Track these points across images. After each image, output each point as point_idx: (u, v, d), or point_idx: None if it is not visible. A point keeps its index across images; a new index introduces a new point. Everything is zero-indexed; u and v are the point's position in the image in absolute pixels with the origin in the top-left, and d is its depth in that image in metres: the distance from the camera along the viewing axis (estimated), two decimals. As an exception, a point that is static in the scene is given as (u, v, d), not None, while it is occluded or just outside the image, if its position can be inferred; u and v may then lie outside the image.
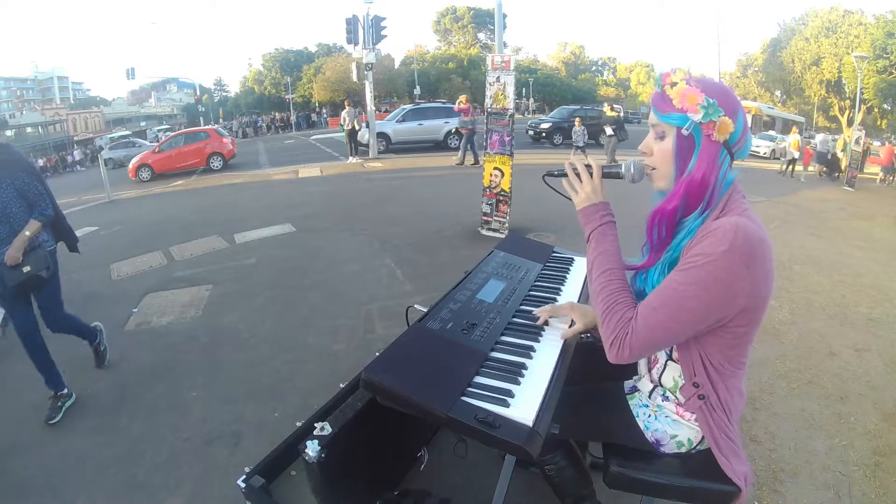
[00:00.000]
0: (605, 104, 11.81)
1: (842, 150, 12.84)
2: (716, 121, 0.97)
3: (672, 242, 1.06)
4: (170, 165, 13.89)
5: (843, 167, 12.04)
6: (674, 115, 0.99)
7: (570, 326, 1.34)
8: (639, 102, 51.60)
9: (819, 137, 12.92)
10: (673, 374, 1.13)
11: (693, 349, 1.04)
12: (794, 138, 12.27)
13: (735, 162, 1.04)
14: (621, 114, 16.91)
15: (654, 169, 1.09)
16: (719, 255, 0.91)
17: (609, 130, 10.85)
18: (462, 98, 11.87)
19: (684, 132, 0.99)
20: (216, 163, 14.30)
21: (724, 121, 0.96)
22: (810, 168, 12.81)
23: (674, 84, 1.00)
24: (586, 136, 11.67)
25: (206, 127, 18.36)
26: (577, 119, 12.07)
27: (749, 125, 1.04)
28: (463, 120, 11.19)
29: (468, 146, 11.09)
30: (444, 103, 20.38)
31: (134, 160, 14.26)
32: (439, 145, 14.90)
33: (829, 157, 12.58)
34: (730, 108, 0.97)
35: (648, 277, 1.10)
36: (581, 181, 1.16)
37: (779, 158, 13.62)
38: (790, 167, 12.29)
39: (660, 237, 1.06)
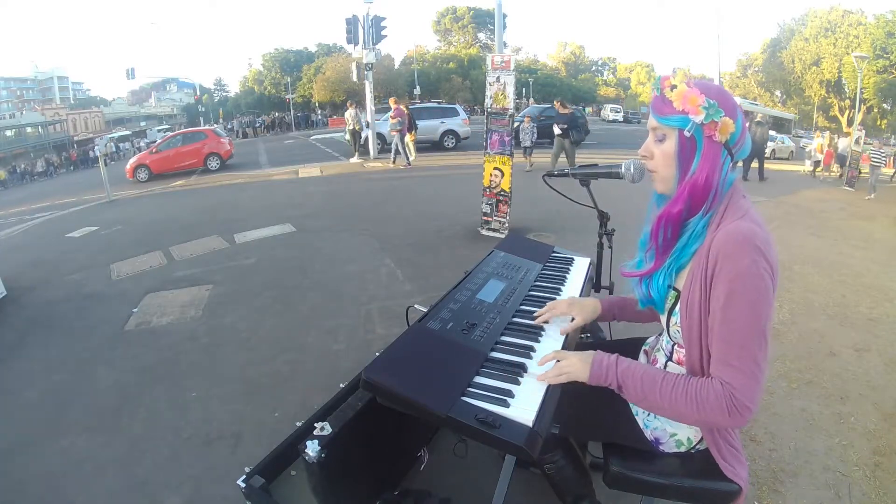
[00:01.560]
0: (556, 100, 10.13)
1: (820, 149, 13.35)
2: (717, 121, 0.97)
3: (677, 244, 1.05)
4: (167, 166, 13.89)
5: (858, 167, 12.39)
6: (674, 117, 1.00)
7: (571, 322, 1.34)
8: (639, 102, 51.60)
9: (843, 142, 13.30)
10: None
11: (697, 354, 1.03)
12: (818, 142, 12.92)
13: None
14: (599, 111, 16.45)
15: (654, 172, 1.09)
16: (748, 269, 0.91)
17: (557, 129, 9.28)
18: (391, 101, 12.06)
19: (686, 134, 1.00)
20: (213, 163, 14.27)
21: (725, 121, 0.97)
22: (832, 169, 13.11)
23: (673, 87, 1.00)
24: (535, 136, 10.57)
25: (204, 127, 18.25)
26: (527, 117, 10.78)
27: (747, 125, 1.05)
28: (392, 122, 11.33)
29: (398, 147, 11.36)
30: (439, 103, 20.33)
31: (132, 161, 14.25)
32: (435, 145, 14.91)
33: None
34: (729, 108, 0.98)
35: (653, 281, 1.10)
36: (562, 362, 1.12)
37: (785, 158, 13.77)
38: (815, 169, 12.87)
39: (665, 240, 1.07)
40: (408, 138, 11.65)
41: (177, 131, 18.72)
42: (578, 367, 1.09)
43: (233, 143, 15.94)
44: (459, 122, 15.37)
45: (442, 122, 15.01)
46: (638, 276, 1.15)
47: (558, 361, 1.12)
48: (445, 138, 15.04)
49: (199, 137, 14.73)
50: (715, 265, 0.95)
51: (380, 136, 13.91)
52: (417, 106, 17.06)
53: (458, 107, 17.16)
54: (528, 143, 10.42)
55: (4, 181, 24.94)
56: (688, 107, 0.98)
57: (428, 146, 14.87)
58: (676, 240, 1.06)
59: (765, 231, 0.95)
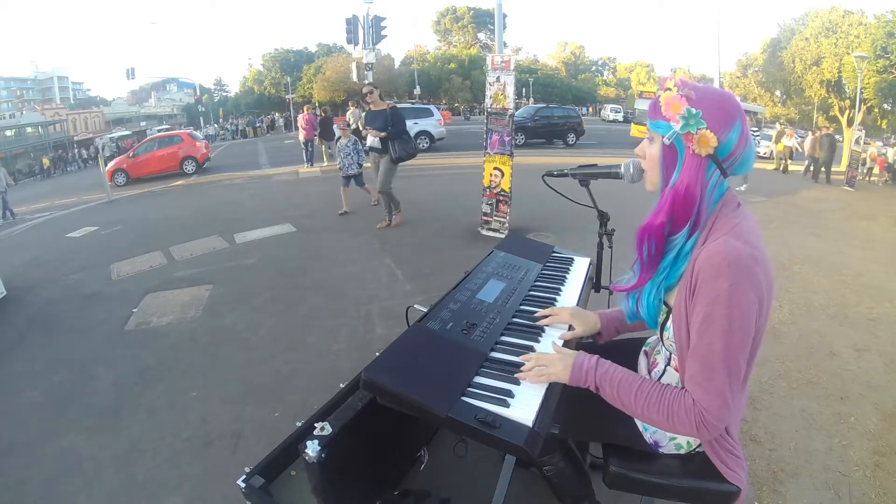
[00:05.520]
0: (365, 87, 5.55)
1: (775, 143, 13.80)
2: (693, 133, 0.93)
3: (663, 262, 1.04)
4: (144, 170, 13.90)
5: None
6: (660, 122, 0.98)
7: (570, 331, 1.33)
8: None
9: (892, 151, 13.85)
10: (671, 380, 1.13)
11: None
12: (872, 150, 13.50)
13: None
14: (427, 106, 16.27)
15: (645, 171, 1.09)
16: (727, 293, 0.89)
17: (371, 140, 5.31)
18: (305, 108, 12.59)
19: (665, 141, 0.98)
20: (189, 167, 14.24)
21: (703, 134, 0.93)
22: (885, 176, 13.61)
23: (667, 90, 0.97)
24: (361, 158, 6.48)
25: (180, 131, 17.92)
26: (342, 129, 6.81)
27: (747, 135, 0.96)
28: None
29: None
30: (413, 104, 20.15)
31: (110, 165, 14.14)
32: None
33: None
34: (719, 120, 0.93)
35: (642, 297, 1.09)
36: (543, 364, 1.11)
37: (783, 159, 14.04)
38: (869, 177, 13.50)
39: (650, 254, 1.04)
40: (317, 142, 12.17)
41: (151, 135, 18.70)
42: (559, 368, 1.09)
43: (209, 146, 15.87)
44: (434, 123, 15.12)
45: (415, 123, 14.79)
46: (624, 290, 1.14)
47: (541, 365, 1.11)
48: (419, 139, 14.80)
49: (175, 141, 14.71)
50: (695, 285, 0.94)
51: None
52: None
53: (432, 107, 16.95)
54: (353, 171, 6.49)
55: (48, 169, 26.85)
56: (670, 113, 0.95)
57: None
58: (661, 255, 1.03)
59: (752, 247, 0.92)
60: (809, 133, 14.51)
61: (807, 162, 12.72)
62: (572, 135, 17.00)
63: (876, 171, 13.52)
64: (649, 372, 1.23)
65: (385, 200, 5.68)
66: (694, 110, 0.93)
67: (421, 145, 14.82)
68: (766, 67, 22.00)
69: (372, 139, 5.29)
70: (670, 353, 1.14)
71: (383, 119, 5.21)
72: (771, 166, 13.73)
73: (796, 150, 13.59)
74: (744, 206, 1.01)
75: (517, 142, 15.67)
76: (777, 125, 17.31)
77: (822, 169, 11.90)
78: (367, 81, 13.01)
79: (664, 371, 1.17)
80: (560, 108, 19.18)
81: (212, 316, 3.67)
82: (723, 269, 0.89)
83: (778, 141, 13.76)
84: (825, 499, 1.88)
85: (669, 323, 1.05)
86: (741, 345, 0.92)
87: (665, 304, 1.07)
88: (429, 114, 15.55)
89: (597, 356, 1.10)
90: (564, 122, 17.10)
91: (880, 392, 2.58)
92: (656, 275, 1.05)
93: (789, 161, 13.26)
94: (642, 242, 1.04)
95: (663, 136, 0.98)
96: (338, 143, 6.76)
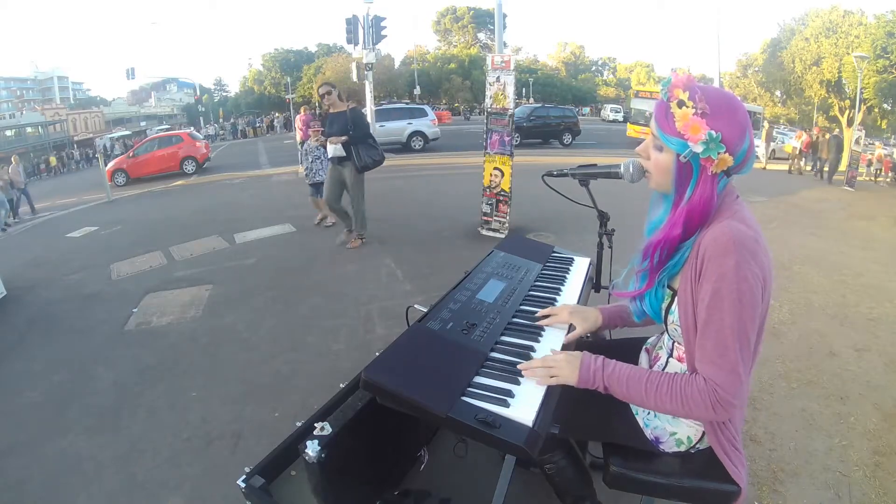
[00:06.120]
0: (322, 85, 4.67)
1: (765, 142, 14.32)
2: (714, 158, 0.95)
3: (669, 263, 1.05)
4: (144, 170, 13.91)
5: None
6: (673, 138, 0.97)
7: (569, 332, 1.33)
8: (639, 102, 51.43)
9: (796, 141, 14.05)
10: (674, 372, 1.14)
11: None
12: (879, 152, 13.89)
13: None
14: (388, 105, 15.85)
15: (648, 172, 1.09)
16: (734, 270, 0.91)
17: (333, 149, 4.51)
18: (302, 108, 11.47)
19: (682, 159, 0.98)
20: (189, 167, 14.25)
21: (723, 158, 0.94)
22: (890, 176, 13.78)
23: (681, 103, 0.96)
24: (325, 163, 5.49)
25: (180, 131, 17.74)
26: (315, 130, 5.87)
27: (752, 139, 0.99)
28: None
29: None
30: (406, 104, 19.95)
31: (110, 165, 14.13)
32: (403, 147, 14.59)
33: None
34: (734, 136, 0.94)
35: (646, 297, 1.11)
36: (549, 366, 1.11)
37: (783, 159, 14.17)
38: (877, 178, 13.82)
39: (661, 260, 1.05)
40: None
41: (151, 135, 18.72)
42: (567, 371, 1.09)
43: (209, 146, 15.87)
44: (428, 123, 15.04)
45: (409, 123, 14.69)
46: (630, 296, 1.15)
47: (548, 366, 1.12)
48: (413, 140, 14.73)
49: (175, 141, 14.72)
50: (702, 265, 0.95)
51: None
52: (385, 107, 16.44)
53: (426, 107, 16.82)
54: (320, 177, 5.73)
55: (55, 168, 27.05)
56: (688, 134, 0.95)
57: (398, 147, 14.53)
58: (671, 258, 1.05)
59: (753, 231, 0.95)
60: (804, 133, 14.70)
61: (803, 161, 12.95)
62: (568, 135, 16.96)
63: (881, 171, 13.70)
64: (651, 367, 1.23)
65: (357, 219, 4.89)
66: (714, 133, 0.93)
67: (415, 145, 14.70)
68: (766, 67, 22.00)
69: (333, 148, 4.48)
70: (673, 343, 1.15)
71: (343, 122, 4.45)
72: (772, 167, 13.84)
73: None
74: (741, 197, 1.03)
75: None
76: (766, 125, 17.38)
77: (826, 168, 12.13)
78: (360, 79, 12.43)
79: (666, 364, 1.17)
80: (556, 108, 19.16)
81: (212, 316, 3.67)
82: (729, 247, 0.91)
83: (767, 140, 14.29)
84: (825, 499, 1.87)
85: (674, 307, 1.06)
86: (751, 319, 0.93)
87: (669, 287, 1.08)
88: (423, 114, 15.49)
89: (602, 357, 1.10)
90: (560, 122, 17.06)
91: (880, 392, 2.58)
92: (661, 273, 1.07)
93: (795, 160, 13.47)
94: (654, 252, 1.05)
95: (679, 154, 0.98)
96: (304, 146, 5.98)
